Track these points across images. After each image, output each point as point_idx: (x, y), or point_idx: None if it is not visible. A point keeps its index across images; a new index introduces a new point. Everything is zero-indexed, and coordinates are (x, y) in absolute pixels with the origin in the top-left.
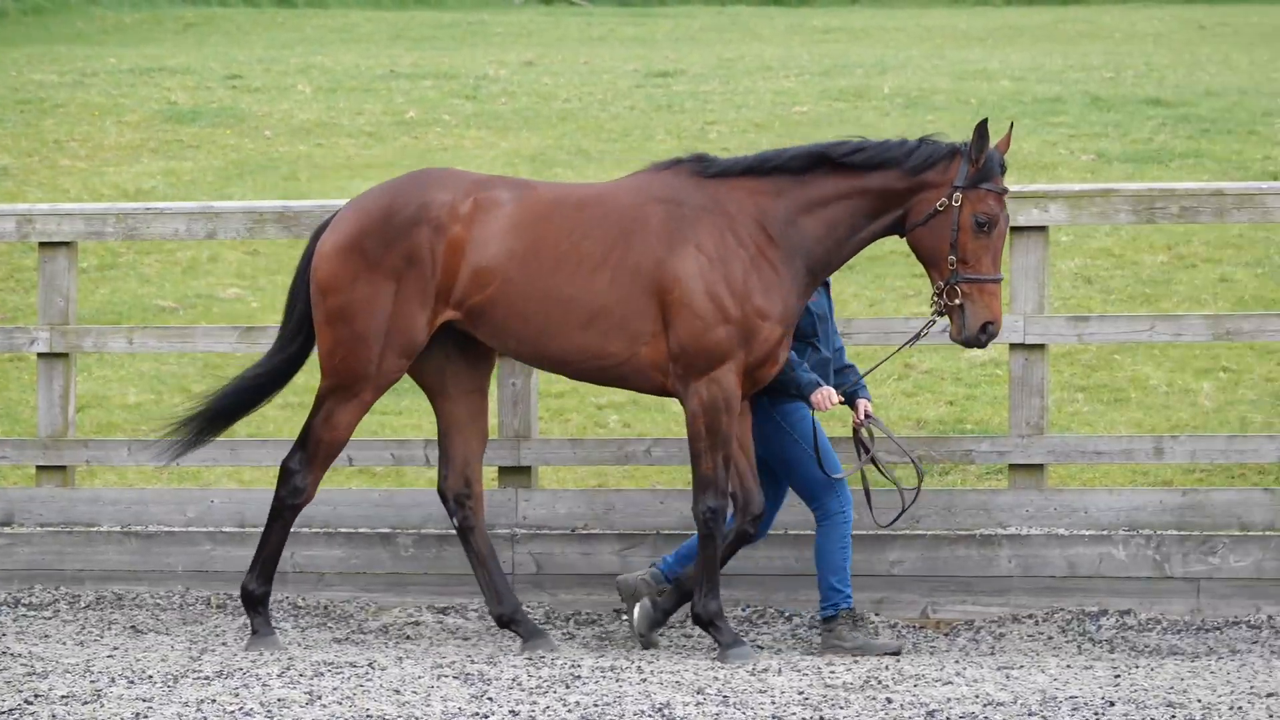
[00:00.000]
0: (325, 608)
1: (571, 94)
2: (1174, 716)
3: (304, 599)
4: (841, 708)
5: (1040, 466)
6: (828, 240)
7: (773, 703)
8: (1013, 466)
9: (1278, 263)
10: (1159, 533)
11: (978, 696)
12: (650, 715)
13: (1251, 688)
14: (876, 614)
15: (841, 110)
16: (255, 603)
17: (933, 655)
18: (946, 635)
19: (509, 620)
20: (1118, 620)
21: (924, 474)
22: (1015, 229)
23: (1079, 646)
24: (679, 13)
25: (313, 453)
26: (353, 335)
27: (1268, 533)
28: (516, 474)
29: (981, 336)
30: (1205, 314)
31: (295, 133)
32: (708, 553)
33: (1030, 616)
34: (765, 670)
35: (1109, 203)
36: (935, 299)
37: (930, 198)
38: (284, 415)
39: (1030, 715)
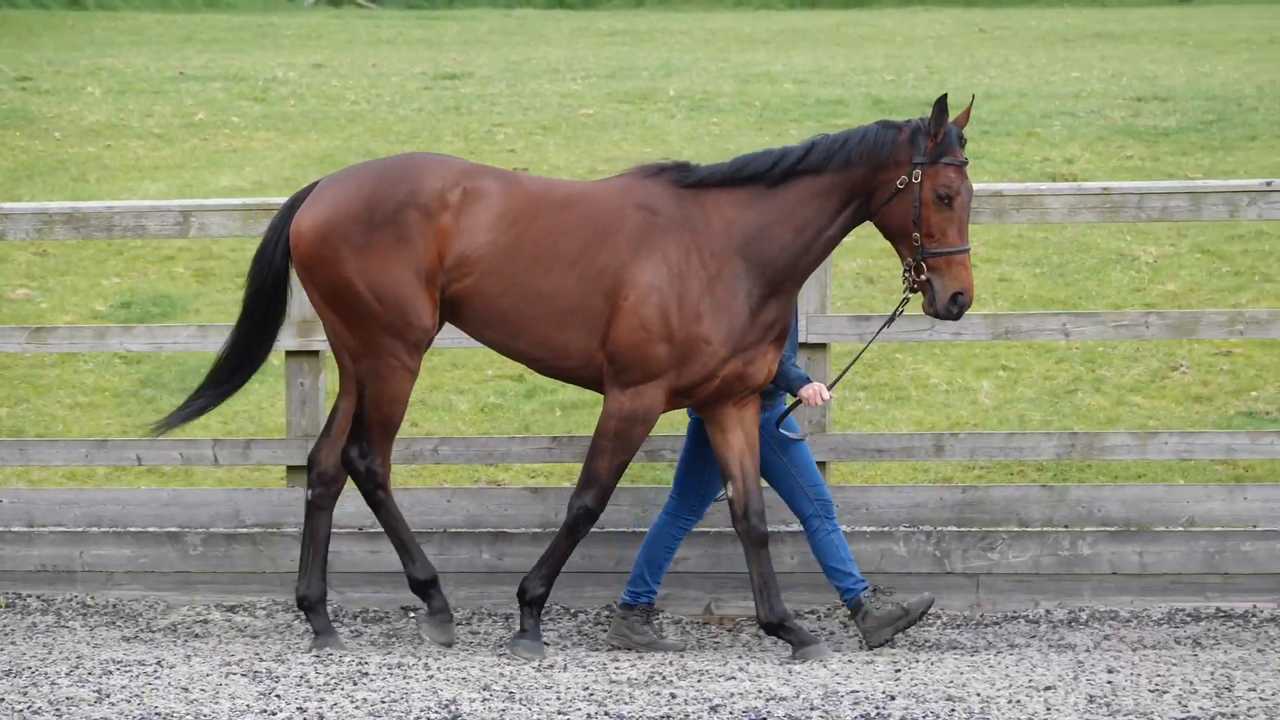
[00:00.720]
0: (114, 606)
1: (360, 96)
2: (953, 710)
3: (93, 598)
4: (626, 703)
5: (823, 464)
6: (795, 245)
7: (558, 698)
8: None
9: (1055, 263)
10: (939, 529)
11: (760, 691)
12: (437, 712)
13: (1030, 681)
14: (661, 610)
15: (627, 112)
16: (426, 588)
17: (716, 651)
18: (730, 631)
19: (309, 606)
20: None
21: None
22: None
23: (861, 641)
24: (466, 15)
25: (371, 436)
26: (355, 311)
27: (1045, 529)
28: (305, 473)
29: (953, 308)
30: (984, 313)
31: (85, 134)
32: (561, 544)
33: (813, 612)
34: (551, 666)
35: None
36: (906, 276)
37: (890, 178)
38: (73, 415)
39: (812, 709)
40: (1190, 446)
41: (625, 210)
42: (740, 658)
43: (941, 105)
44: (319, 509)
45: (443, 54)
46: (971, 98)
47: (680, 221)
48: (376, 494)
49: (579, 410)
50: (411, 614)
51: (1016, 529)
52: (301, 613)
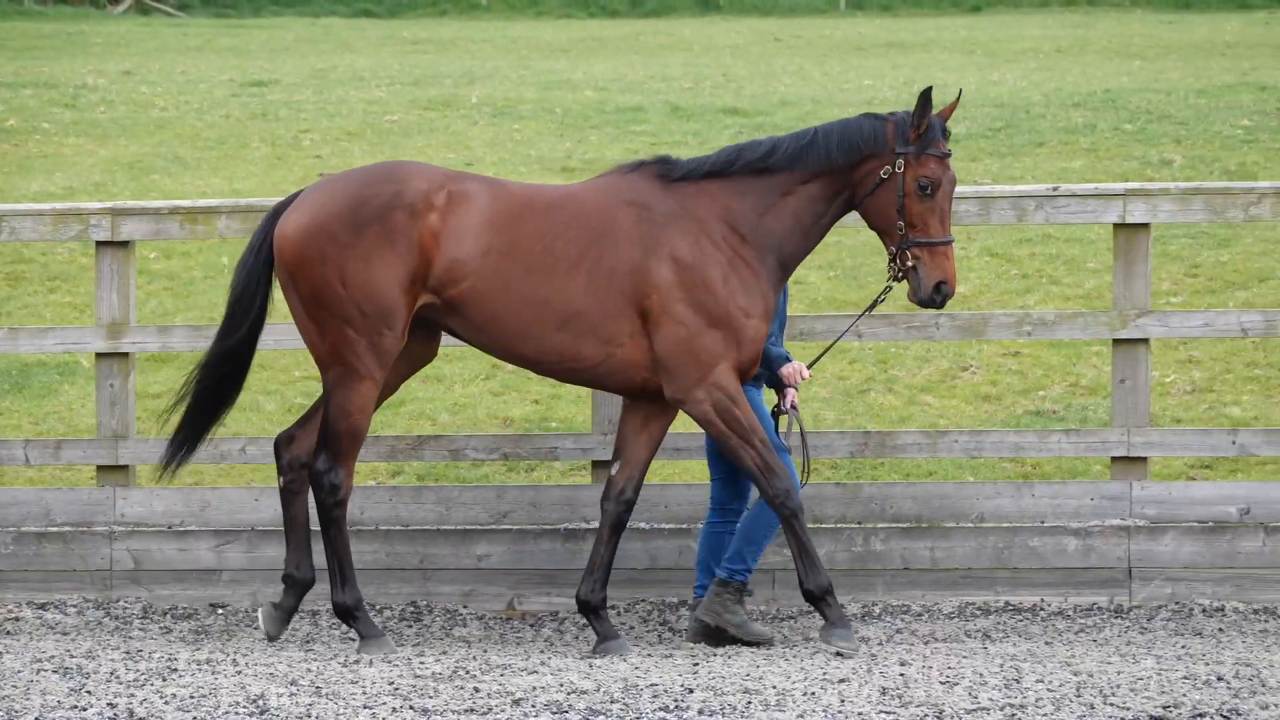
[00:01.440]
0: None
1: (168, 103)
2: (750, 702)
3: None
4: (431, 697)
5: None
6: (795, 232)
7: (364, 693)
8: (596, 463)
9: (849, 265)
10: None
11: (562, 685)
12: (245, 706)
13: (824, 674)
14: (465, 606)
15: (431, 119)
16: (352, 613)
17: (519, 645)
18: (533, 626)
19: (293, 584)
20: None
21: (809, 472)
22: None
23: (660, 636)
24: (273, 24)
25: (336, 447)
26: (334, 318)
27: (839, 525)
28: (114, 472)
29: (936, 297)
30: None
31: None
32: (797, 532)
33: (613, 607)
34: (357, 662)
35: None
36: (891, 265)
37: (874, 168)
38: None
39: (613, 703)
40: (979, 445)
41: (616, 208)
42: (542, 652)
43: (925, 98)
44: (293, 494)
45: (250, 61)
46: (959, 92)
47: (679, 212)
48: (334, 511)
49: (382, 411)
50: (219, 610)
51: (811, 525)
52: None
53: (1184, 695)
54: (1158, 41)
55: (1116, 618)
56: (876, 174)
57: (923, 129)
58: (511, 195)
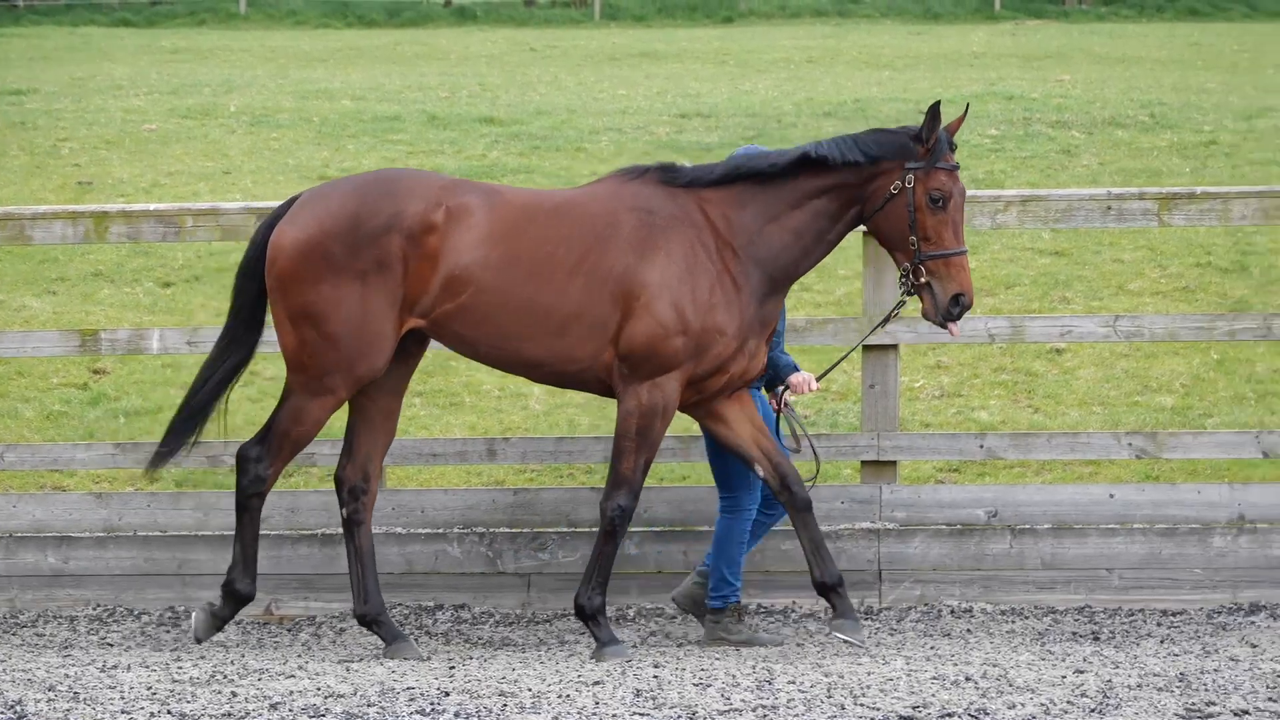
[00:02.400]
0: None
1: None
2: (505, 705)
3: None
4: (189, 701)
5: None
6: (794, 248)
7: (122, 698)
8: None
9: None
10: (492, 530)
11: (319, 689)
12: (3, 713)
13: (579, 676)
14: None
15: (190, 127)
16: (243, 601)
17: (276, 650)
18: (290, 631)
19: (371, 621)
20: (453, 614)
21: (820, 469)
22: None
23: (416, 639)
24: (32, 33)
25: (277, 446)
26: (319, 336)
27: (594, 529)
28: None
29: (954, 309)
30: None
31: None
32: (606, 549)
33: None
34: (115, 667)
35: None
36: (903, 281)
37: (884, 184)
38: None
39: (369, 706)
40: None
41: (619, 213)
42: (300, 656)
43: (934, 111)
44: (356, 524)
45: (8, 70)
46: (966, 106)
47: (679, 218)
48: (252, 501)
49: (141, 417)
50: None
51: (567, 530)
52: (366, 629)
53: (933, 695)
54: (907, 52)
55: (867, 619)
56: (886, 189)
57: (932, 142)
58: (511, 205)
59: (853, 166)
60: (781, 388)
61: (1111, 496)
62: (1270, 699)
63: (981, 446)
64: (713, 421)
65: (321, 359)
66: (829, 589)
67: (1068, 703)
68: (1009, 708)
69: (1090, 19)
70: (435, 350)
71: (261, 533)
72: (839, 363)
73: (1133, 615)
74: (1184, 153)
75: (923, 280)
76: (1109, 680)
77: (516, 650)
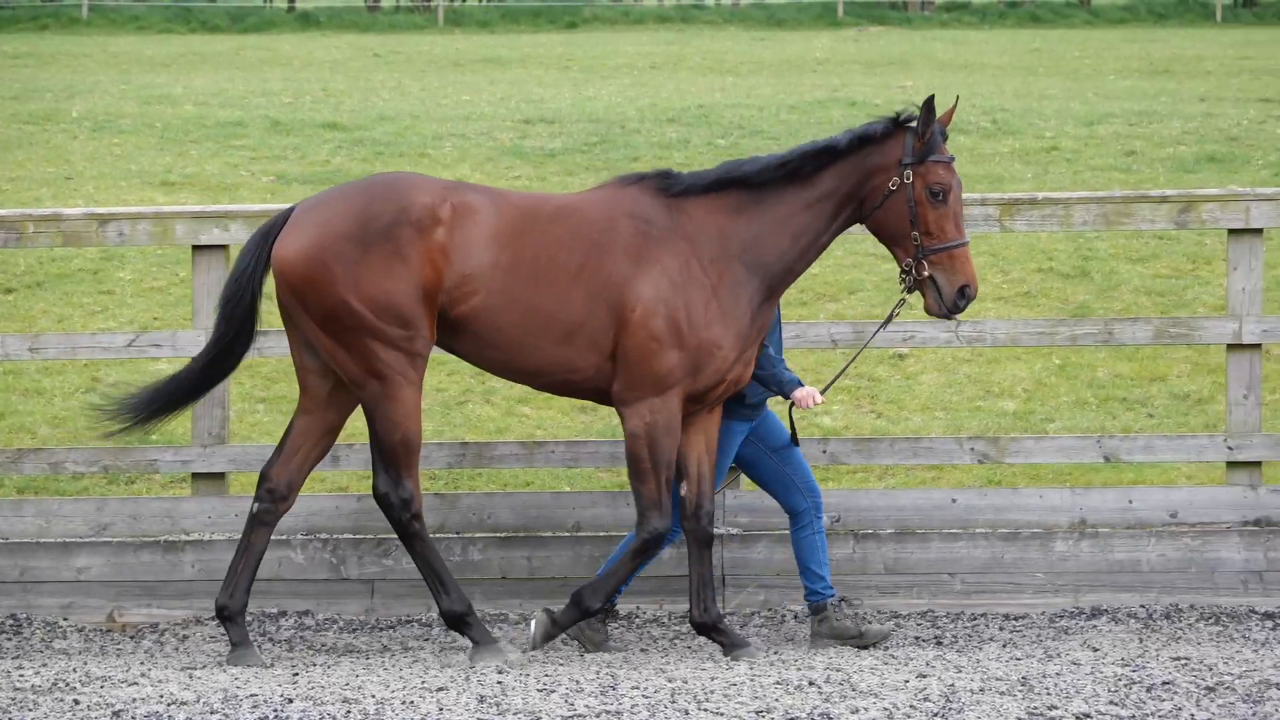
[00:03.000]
0: None
1: None
2: (349, 711)
3: None
4: (30, 709)
5: (222, 475)
6: (791, 252)
7: None
8: (196, 475)
9: None
10: (335, 537)
11: (162, 696)
12: None
13: (423, 682)
14: (65, 619)
15: (31, 133)
16: (462, 619)
17: (119, 657)
18: (133, 638)
19: (229, 617)
20: (297, 621)
21: None
22: (198, 248)
23: (259, 646)
24: None
25: (395, 461)
26: (359, 335)
27: (438, 535)
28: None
29: (961, 301)
30: None
31: None
32: (629, 564)
33: (212, 619)
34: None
35: None
36: (904, 277)
37: (881, 181)
38: None
39: (213, 713)
40: (576, 455)
41: (617, 220)
42: (142, 664)
43: (929, 106)
44: (261, 523)
45: None
46: (955, 99)
47: (674, 231)
48: (412, 524)
49: None
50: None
51: None
52: (220, 623)
53: (777, 700)
54: (750, 58)
55: None
56: (884, 186)
57: (927, 137)
58: (514, 206)
59: (847, 167)
60: (789, 404)
61: (954, 501)
62: (1112, 702)
63: (825, 452)
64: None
65: (374, 355)
66: (709, 628)
67: (911, 707)
68: (852, 712)
69: (933, 25)
70: (280, 357)
71: (102, 540)
72: (841, 373)
73: (975, 619)
74: (1026, 158)
75: (925, 275)
76: (952, 684)
77: (360, 656)
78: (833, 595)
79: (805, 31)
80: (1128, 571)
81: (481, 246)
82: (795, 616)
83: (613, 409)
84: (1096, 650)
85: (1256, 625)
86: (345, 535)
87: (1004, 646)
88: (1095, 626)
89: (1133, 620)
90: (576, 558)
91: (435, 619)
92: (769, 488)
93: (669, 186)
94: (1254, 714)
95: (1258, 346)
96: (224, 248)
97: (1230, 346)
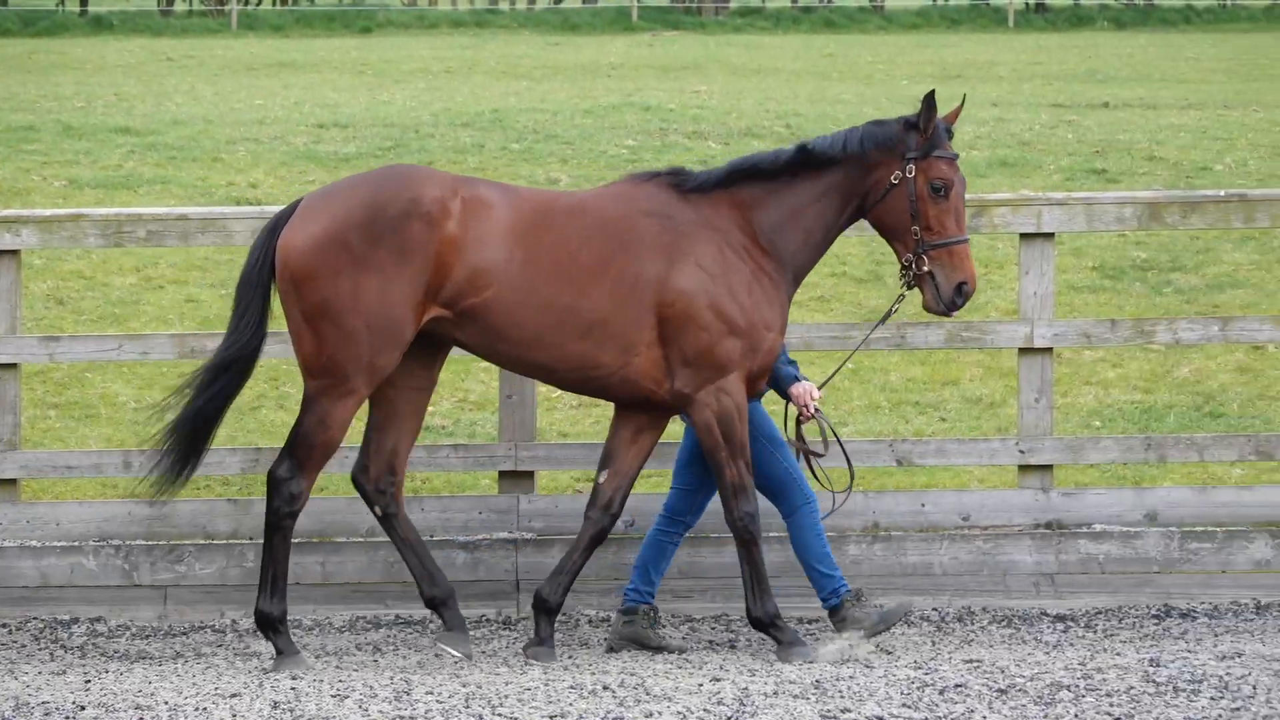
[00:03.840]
0: None
1: None
2: (142, 718)
3: None
4: None
5: (13, 481)
6: (809, 244)
7: None
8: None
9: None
10: (128, 542)
11: None
12: None
13: (216, 689)
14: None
15: None
16: (274, 624)
17: None
18: None
19: (440, 604)
20: (89, 627)
21: (855, 474)
22: None
23: (51, 653)
24: None
25: (305, 457)
26: (339, 332)
27: (231, 541)
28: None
29: (958, 298)
30: (171, 333)
31: None
32: (754, 557)
33: (4, 626)
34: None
35: (78, 227)
36: (903, 272)
37: (884, 175)
38: None
39: None
40: None
41: (636, 218)
42: None
43: (930, 100)
44: (393, 516)
45: None
46: (963, 96)
47: (699, 222)
48: (285, 520)
49: None
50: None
51: (203, 542)
52: (435, 611)
53: (571, 704)
54: (545, 63)
55: (505, 629)
56: (886, 180)
57: (929, 132)
58: (527, 201)
59: (853, 160)
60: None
61: None
62: (905, 704)
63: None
64: (626, 419)
65: (342, 357)
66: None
67: (705, 710)
68: (646, 716)
69: (727, 30)
70: (71, 362)
71: None
72: (839, 369)
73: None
74: None
75: (925, 270)
76: (745, 688)
77: (153, 663)
78: (847, 589)
79: (600, 36)
80: (920, 574)
81: (496, 240)
82: (589, 621)
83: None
84: (890, 653)
85: (1048, 627)
86: (138, 541)
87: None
88: (889, 629)
89: (925, 623)
90: (371, 562)
91: (229, 624)
92: (767, 483)
93: (682, 183)
94: (1045, 716)
95: (1049, 350)
96: (15, 253)
97: (1022, 350)
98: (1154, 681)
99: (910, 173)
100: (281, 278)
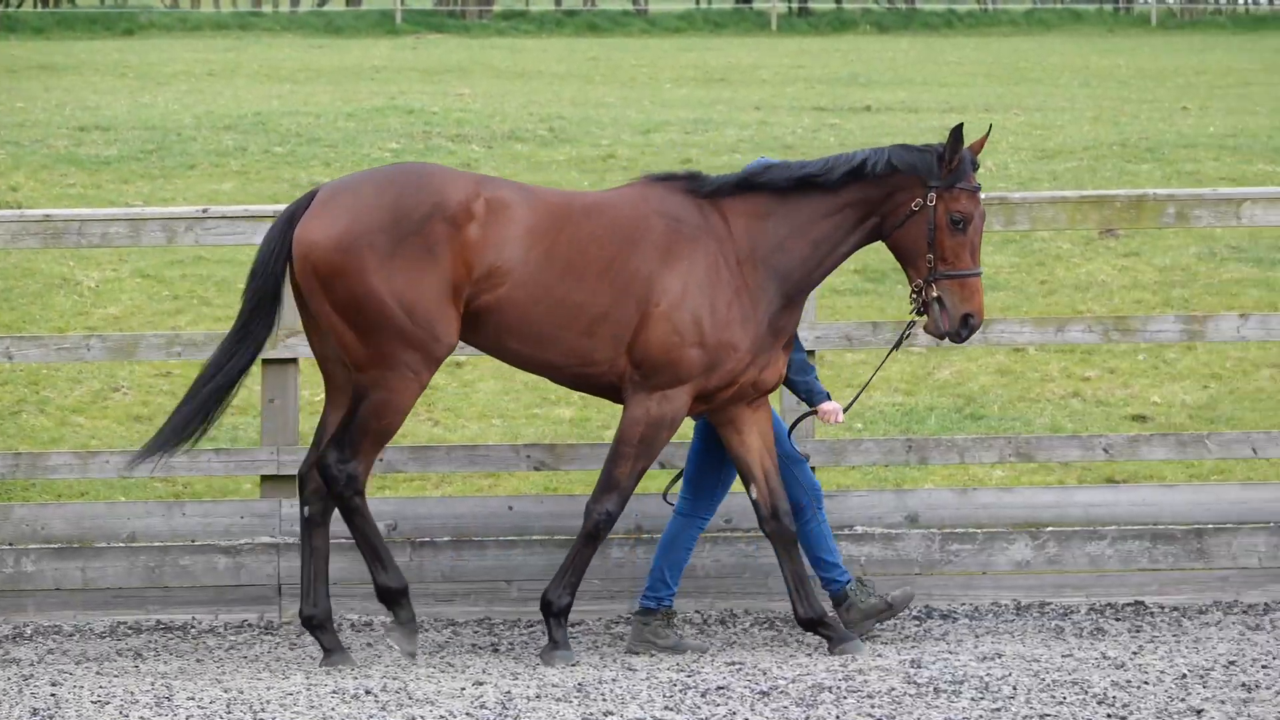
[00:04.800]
0: None
1: None
2: None
3: None
4: None
5: None
6: (812, 260)
7: None
8: None
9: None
10: None
11: None
12: None
13: None
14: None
15: None
16: (396, 597)
17: None
18: None
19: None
20: None
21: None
22: None
23: None
24: None
25: (362, 443)
26: (382, 328)
27: None
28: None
29: (963, 330)
30: None
31: None
32: (585, 551)
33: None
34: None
35: None
36: (914, 297)
37: (905, 200)
38: None
39: None
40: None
41: (648, 218)
42: None
43: (957, 133)
44: (317, 525)
45: None
46: (989, 126)
47: (704, 230)
48: (354, 500)
49: None
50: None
51: None
52: (310, 633)
53: (333, 709)
54: (308, 66)
55: (267, 634)
56: (907, 206)
57: (955, 163)
58: (546, 203)
59: (874, 181)
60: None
61: (510, 509)
62: (667, 707)
63: (380, 459)
64: (726, 428)
65: (389, 345)
66: (815, 624)
67: (467, 714)
68: None
69: (490, 33)
70: None
71: None
72: (863, 389)
73: (532, 627)
74: (582, 166)
75: (934, 296)
76: (508, 691)
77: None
78: (849, 580)
79: (363, 39)
80: (683, 576)
81: (515, 241)
82: (353, 626)
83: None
84: (653, 656)
85: None
86: None
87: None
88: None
89: (688, 625)
90: (131, 567)
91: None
92: (696, 475)
93: (698, 187)
94: (807, 717)
95: (810, 353)
96: None
97: None
98: (915, 683)
99: (931, 201)
100: (303, 272)
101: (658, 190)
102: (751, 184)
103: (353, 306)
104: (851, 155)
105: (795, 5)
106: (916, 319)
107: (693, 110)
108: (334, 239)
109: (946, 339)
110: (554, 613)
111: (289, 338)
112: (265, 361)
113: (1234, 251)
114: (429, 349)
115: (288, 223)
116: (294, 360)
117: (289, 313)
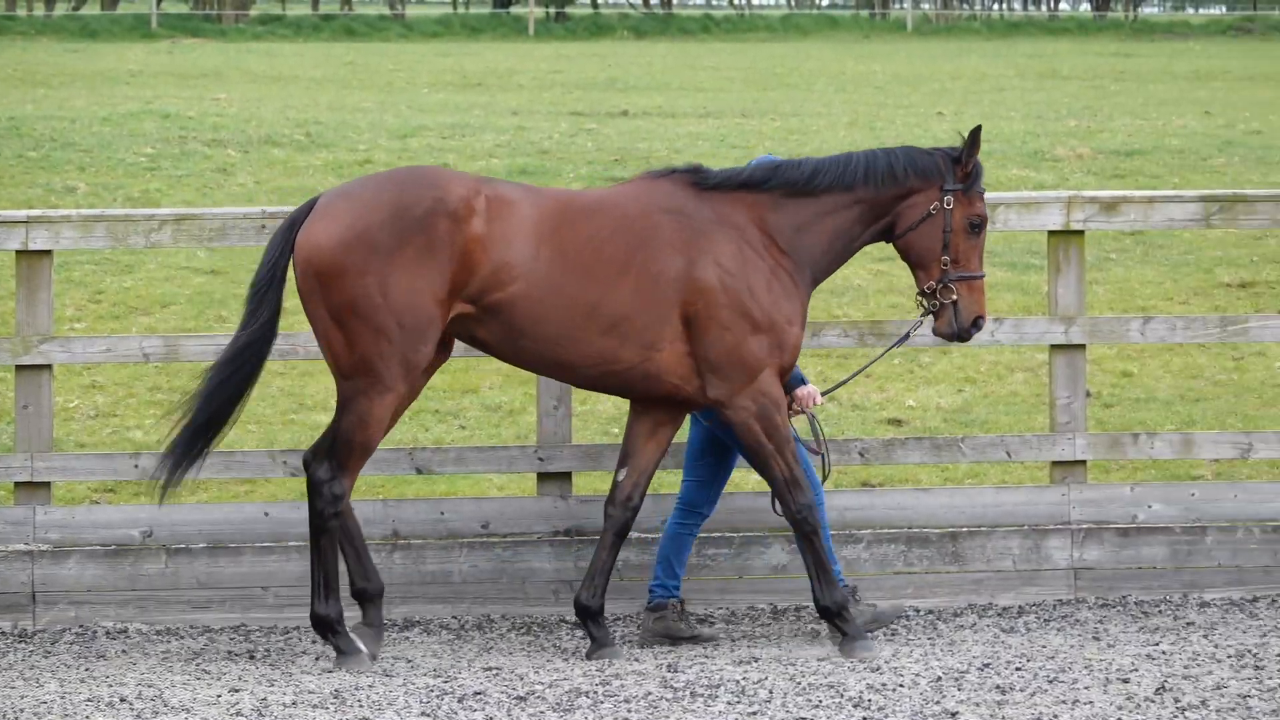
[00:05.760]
0: None
1: None
2: None
3: None
4: None
5: None
6: (830, 252)
7: None
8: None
9: None
10: None
11: None
12: None
13: None
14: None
15: None
16: (331, 626)
17: None
18: None
19: (367, 599)
20: None
21: (829, 473)
22: None
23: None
24: None
25: (346, 457)
26: (370, 329)
27: None
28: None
29: (972, 330)
30: None
31: None
32: (814, 548)
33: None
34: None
35: None
36: (924, 299)
37: (919, 203)
38: None
39: None
40: None
41: (655, 215)
42: None
43: (975, 136)
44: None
45: None
46: (978, 127)
47: (717, 220)
48: (331, 521)
49: None
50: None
51: None
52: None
53: (88, 718)
54: (63, 70)
55: (21, 642)
56: (923, 208)
57: (971, 167)
58: (549, 199)
59: (889, 183)
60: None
61: (267, 515)
62: (424, 714)
63: (136, 466)
64: (643, 415)
65: (376, 354)
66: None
67: None
68: None
69: (247, 38)
70: None
71: None
72: (852, 378)
73: (288, 633)
74: (339, 171)
75: (950, 299)
76: (264, 698)
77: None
78: (845, 586)
79: (119, 43)
80: (439, 583)
81: (522, 238)
82: (108, 633)
83: (625, 402)
84: (410, 662)
85: (567, 634)
86: None
87: (316, 659)
88: (409, 639)
89: (445, 631)
90: None
91: None
92: (695, 474)
93: (702, 181)
94: None
95: None
96: None
97: None
98: (672, 687)
99: (949, 204)
100: (304, 276)
101: (662, 185)
102: (761, 181)
103: (347, 308)
104: (870, 155)
105: (553, 10)
106: (923, 319)
107: (450, 115)
108: (337, 239)
109: (957, 338)
110: (835, 613)
111: (43, 344)
112: (19, 368)
113: (988, 255)
114: (409, 359)
115: (289, 227)
116: (48, 366)
117: (41, 319)
